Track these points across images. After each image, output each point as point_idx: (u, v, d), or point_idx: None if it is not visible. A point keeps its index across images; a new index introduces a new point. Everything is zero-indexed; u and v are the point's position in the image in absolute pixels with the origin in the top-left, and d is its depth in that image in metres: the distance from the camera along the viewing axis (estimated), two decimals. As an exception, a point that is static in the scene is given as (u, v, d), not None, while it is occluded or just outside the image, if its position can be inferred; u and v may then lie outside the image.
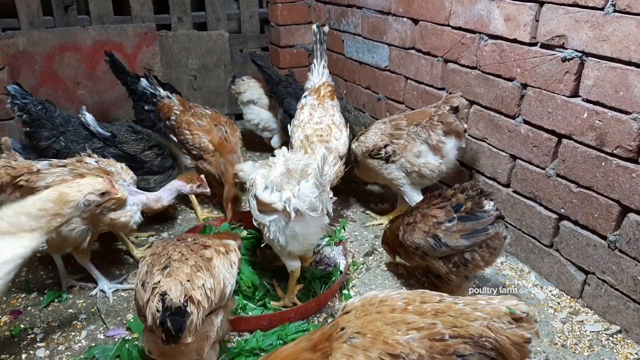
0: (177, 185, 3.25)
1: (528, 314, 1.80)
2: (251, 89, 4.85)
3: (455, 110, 3.22)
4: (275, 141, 4.86)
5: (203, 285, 2.02)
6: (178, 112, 3.93)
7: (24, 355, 2.61)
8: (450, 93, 3.31)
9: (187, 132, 3.80)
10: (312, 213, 2.49)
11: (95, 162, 3.01)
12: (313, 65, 3.90)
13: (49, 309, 2.94)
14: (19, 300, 3.02)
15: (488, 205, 2.65)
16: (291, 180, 2.59)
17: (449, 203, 2.74)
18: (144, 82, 4.09)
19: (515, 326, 1.78)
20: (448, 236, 2.66)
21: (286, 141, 4.03)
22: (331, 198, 2.72)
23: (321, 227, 2.70)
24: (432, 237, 2.70)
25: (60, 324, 2.83)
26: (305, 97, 3.79)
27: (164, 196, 3.15)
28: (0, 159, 2.95)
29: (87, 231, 2.83)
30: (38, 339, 2.72)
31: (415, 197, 3.45)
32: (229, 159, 3.73)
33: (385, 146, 3.43)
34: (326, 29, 3.92)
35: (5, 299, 3.02)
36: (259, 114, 4.84)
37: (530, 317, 1.81)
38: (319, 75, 3.87)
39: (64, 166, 2.90)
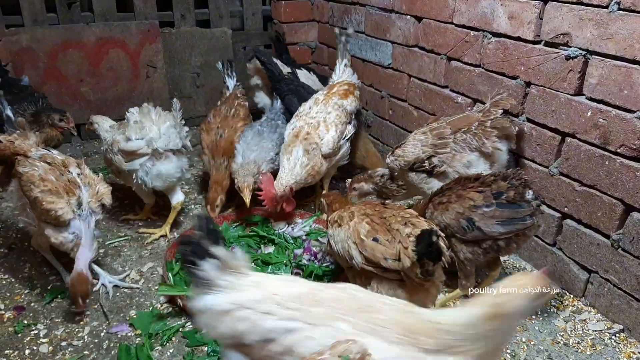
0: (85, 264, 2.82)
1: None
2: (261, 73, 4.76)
3: (506, 113, 3.09)
4: None
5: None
6: (219, 103, 4.24)
7: (27, 351, 2.62)
8: (495, 97, 3.17)
9: (203, 122, 4.11)
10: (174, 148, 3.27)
11: (78, 174, 2.95)
12: (337, 64, 4.15)
13: (52, 305, 2.95)
14: (23, 296, 3.03)
15: (529, 195, 2.61)
16: (150, 126, 3.28)
17: (488, 189, 2.67)
18: (219, 64, 4.48)
19: None
20: (484, 221, 2.61)
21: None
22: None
23: (181, 167, 3.46)
24: (465, 219, 2.65)
25: (63, 319, 2.84)
26: (318, 91, 3.94)
27: (79, 265, 2.77)
28: (13, 135, 3.07)
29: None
30: (41, 335, 2.73)
31: None
32: (216, 163, 3.79)
33: (429, 157, 3.17)
34: (350, 30, 4.17)
35: (8, 294, 3.03)
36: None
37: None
38: (337, 73, 4.09)
39: (49, 163, 2.91)
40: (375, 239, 2.38)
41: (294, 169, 3.39)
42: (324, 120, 3.56)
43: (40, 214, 2.79)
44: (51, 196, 2.75)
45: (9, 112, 3.20)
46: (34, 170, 2.83)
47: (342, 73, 4.05)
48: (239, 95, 4.27)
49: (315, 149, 3.45)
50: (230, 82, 4.37)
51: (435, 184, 3.17)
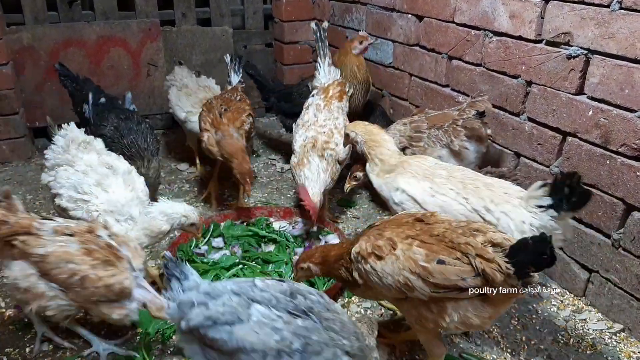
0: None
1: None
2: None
3: (481, 115, 3.14)
4: None
5: None
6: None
7: (27, 349, 2.62)
8: (474, 96, 3.23)
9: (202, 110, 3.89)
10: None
11: (109, 236, 2.49)
12: (318, 64, 3.88)
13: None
14: (23, 294, 3.03)
15: None
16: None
17: None
18: (227, 57, 4.34)
19: None
20: None
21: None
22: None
23: None
24: None
25: (64, 318, 2.84)
26: (312, 96, 3.76)
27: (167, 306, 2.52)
28: None
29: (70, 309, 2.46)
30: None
31: None
32: (222, 130, 3.54)
33: (403, 149, 3.31)
34: (325, 24, 3.90)
35: (9, 293, 3.03)
36: None
37: None
38: (325, 74, 3.85)
39: (71, 235, 2.41)
40: (440, 262, 2.03)
41: (319, 177, 3.33)
42: (335, 127, 3.51)
43: (95, 294, 2.32)
44: (108, 268, 2.34)
45: None
46: (61, 246, 2.34)
47: (329, 73, 3.86)
48: (239, 90, 4.13)
49: (332, 155, 3.39)
50: (235, 78, 4.27)
51: None
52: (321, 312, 1.93)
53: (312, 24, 3.92)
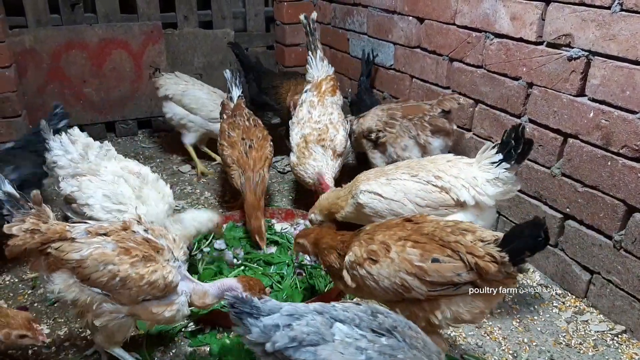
0: (230, 284, 2.44)
1: None
2: (166, 85, 4.59)
3: (446, 113, 3.35)
4: (186, 139, 4.64)
5: None
6: (225, 117, 3.90)
7: (30, 351, 2.63)
8: (446, 95, 3.45)
9: (219, 139, 3.77)
10: None
11: (145, 230, 2.36)
12: (310, 58, 3.90)
13: (56, 305, 2.96)
14: (26, 296, 3.04)
15: None
16: None
17: None
18: (227, 73, 4.13)
19: None
20: None
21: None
22: None
23: None
24: None
25: (66, 320, 2.85)
26: (305, 92, 3.81)
27: (211, 291, 2.40)
28: (28, 219, 2.24)
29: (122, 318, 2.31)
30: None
31: None
32: (247, 176, 3.46)
33: (378, 131, 3.58)
34: (314, 15, 3.92)
35: (12, 295, 3.04)
36: (173, 109, 4.60)
37: None
38: (318, 68, 3.87)
39: (105, 234, 2.29)
40: (435, 260, 2.09)
41: (328, 162, 3.51)
42: (330, 122, 3.57)
43: (140, 293, 2.21)
44: (148, 264, 2.21)
45: (8, 188, 2.24)
46: (97, 248, 2.22)
47: (322, 67, 3.87)
48: (243, 105, 4.01)
49: (330, 147, 3.54)
50: (236, 93, 4.09)
51: (377, 156, 3.65)
52: (404, 331, 1.87)
53: (301, 17, 3.93)
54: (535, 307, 2.93)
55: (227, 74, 4.13)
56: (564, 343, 2.68)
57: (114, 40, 5.01)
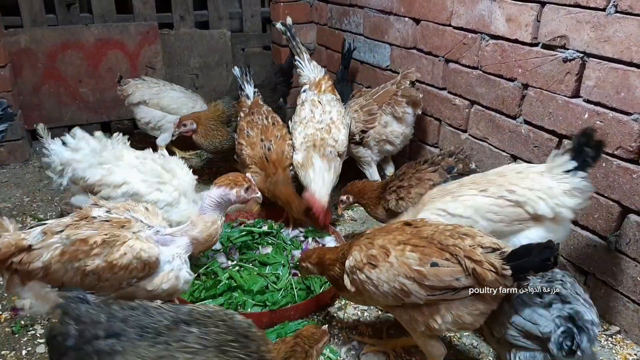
0: (218, 193, 2.43)
1: None
2: (139, 90, 4.59)
3: (413, 84, 3.73)
4: (161, 140, 4.67)
5: None
6: (242, 115, 3.85)
7: (24, 352, 2.62)
8: (401, 71, 3.80)
9: (237, 137, 3.74)
10: None
11: (107, 211, 2.27)
12: (298, 62, 3.95)
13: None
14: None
15: (472, 165, 3.11)
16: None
17: (439, 166, 3.06)
18: (236, 70, 4.08)
19: None
20: None
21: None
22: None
23: None
24: None
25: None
26: (305, 91, 3.82)
27: (207, 213, 2.37)
28: None
29: None
30: (38, 335, 2.72)
31: (374, 174, 3.96)
32: (274, 179, 3.47)
33: (361, 132, 3.80)
34: (289, 20, 3.98)
35: (5, 295, 3.02)
36: (150, 113, 4.61)
37: None
38: (310, 69, 3.92)
39: (61, 231, 2.13)
40: (434, 264, 2.07)
41: (325, 178, 3.41)
42: (332, 121, 3.56)
43: (120, 279, 2.09)
44: (115, 249, 2.08)
45: None
46: (56, 248, 2.09)
47: (314, 68, 3.90)
48: (261, 102, 3.94)
49: (332, 152, 3.48)
50: (250, 90, 4.00)
51: (360, 150, 3.89)
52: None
53: (278, 25, 3.99)
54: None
55: (236, 71, 4.06)
56: (558, 344, 2.68)
57: (110, 41, 5.00)
